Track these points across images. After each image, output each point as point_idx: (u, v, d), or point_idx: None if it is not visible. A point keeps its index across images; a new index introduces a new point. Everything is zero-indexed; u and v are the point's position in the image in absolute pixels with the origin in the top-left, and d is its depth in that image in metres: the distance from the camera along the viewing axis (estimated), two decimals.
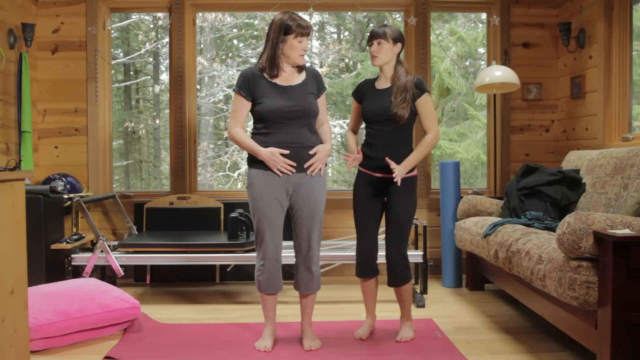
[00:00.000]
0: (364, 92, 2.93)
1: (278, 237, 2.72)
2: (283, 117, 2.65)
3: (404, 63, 2.88)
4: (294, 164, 2.65)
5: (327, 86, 2.87)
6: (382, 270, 3.09)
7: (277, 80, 2.70)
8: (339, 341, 2.90)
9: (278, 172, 2.64)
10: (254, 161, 2.71)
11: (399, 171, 2.70)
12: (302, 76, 2.76)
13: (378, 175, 2.85)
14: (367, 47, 2.90)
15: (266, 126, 2.68)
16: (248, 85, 2.68)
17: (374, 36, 2.81)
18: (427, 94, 2.81)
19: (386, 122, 2.80)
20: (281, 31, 2.64)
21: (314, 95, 2.75)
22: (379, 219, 2.93)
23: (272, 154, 2.62)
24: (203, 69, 8.53)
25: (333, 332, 3.04)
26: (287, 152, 2.63)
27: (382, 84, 2.89)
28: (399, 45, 2.83)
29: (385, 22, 2.94)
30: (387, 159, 2.72)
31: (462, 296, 3.87)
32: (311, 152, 2.69)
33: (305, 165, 2.69)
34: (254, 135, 2.73)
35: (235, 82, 2.74)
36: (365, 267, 2.92)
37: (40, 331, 2.72)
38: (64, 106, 4.39)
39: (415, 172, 2.87)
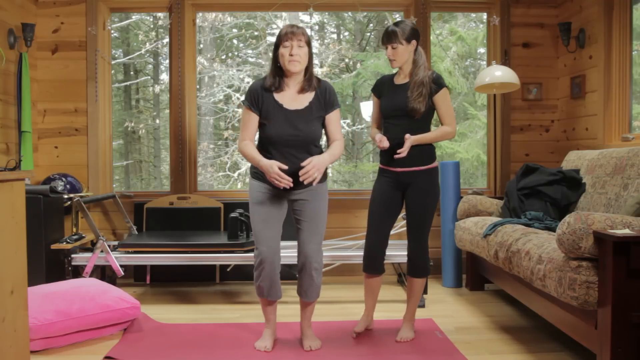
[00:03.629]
0: (383, 87, 2.97)
1: (275, 241, 2.72)
2: (283, 145, 2.65)
3: (424, 56, 2.87)
4: (291, 180, 2.57)
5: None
6: (385, 272, 3.09)
7: (284, 103, 2.66)
8: (339, 341, 2.90)
9: (277, 184, 2.57)
10: (254, 172, 2.74)
11: (410, 141, 2.72)
12: (310, 97, 2.70)
13: (398, 169, 2.85)
14: (384, 49, 2.92)
15: (266, 147, 2.69)
16: (257, 99, 2.68)
17: (386, 40, 2.82)
18: (445, 89, 2.82)
19: (404, 117, 2.82)
20: (276, 45, 2.67)
21: (319, 119, 2.70)
22: (395, 216, 2.93)
23: (271, 167, 2.56)
24: (203, 69, 8.53)
25: (333, 332, 3.04)
26: (286, 167, 2.57)
27: (401, 80, 2.91)
28: (414, 42, 2.83)
29: (400, 20, 2.92)
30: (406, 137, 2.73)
31: (462, 296, 3.87)
32: (303, 164, 2.56)
33: (301, 173, 2.55)
34: (258, 147, 2.75)
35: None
36: (370, 263, 2.93)
37: (40, 331, 2.72)
38: (64, 106, 4.39)
39: (434, 164, 2.88)
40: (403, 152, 2.72)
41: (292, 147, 2.65)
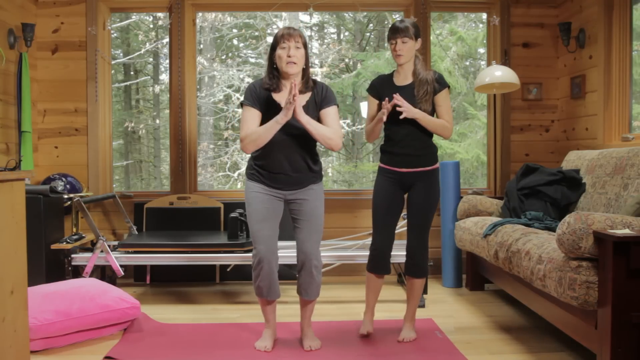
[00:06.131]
0: (383, 88, 2.91)
1: (273, 241, 2.72)
2: (280, 145, 2.63)
3: (420, 57, 2.90)
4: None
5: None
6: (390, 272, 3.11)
7: (281, 103, 2.64)
8: (339, 341, 2.90)
9: (294, 101, 2.47)
10: (251, 173, 2.74)
11: (409, 108, 2.72)
12: (307, 97, 2.69)
13: (402, 170, 2.86)
14: (389, 44, 2.87)
15: (263, 150, 2.66)
16: (255, 97, 2.67)
17: (398, 34, 2.78)
18: (447, 88, 2.86)
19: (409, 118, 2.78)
20: (272, 46, 2.67)
21: (315, 119, 2.67)
22: (398, 215, 2.93)
23: (284, 105, 2.53)
24: (203, 69, 8.53)
25: (333, 332, 3.04)
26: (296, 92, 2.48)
27: (402, 81, 2.89)
28: (420, 41, 2.86)
29: (404, 18, 2.99)
30: (395, 96, 2.71)
31: (462, 296, 3.87)
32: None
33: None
34: (252, 158, 2.75)
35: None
36: (378, 263, 2.91)
37: (40, 331, 2.72)
38: (64, 106, 4.39)
39: (437, 165, 2.90)
40: (404, 106, 2.71)
41: (290, 147, 2.65)
